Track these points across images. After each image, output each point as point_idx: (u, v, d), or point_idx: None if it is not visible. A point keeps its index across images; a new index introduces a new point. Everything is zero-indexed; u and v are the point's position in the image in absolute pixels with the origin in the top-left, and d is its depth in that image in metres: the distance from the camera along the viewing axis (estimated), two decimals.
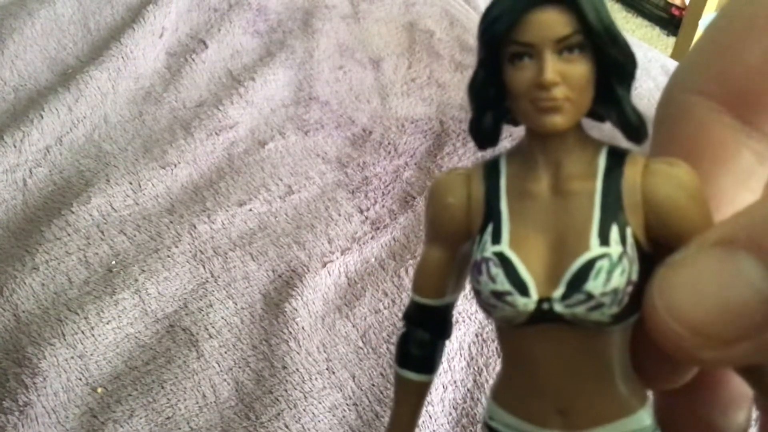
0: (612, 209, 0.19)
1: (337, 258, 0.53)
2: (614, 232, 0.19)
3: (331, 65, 0.75)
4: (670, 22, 2.00)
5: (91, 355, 0.44)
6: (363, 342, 0.48)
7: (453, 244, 0.22)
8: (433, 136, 0.68)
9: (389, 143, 0.66)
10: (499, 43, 0.20)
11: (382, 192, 0.60)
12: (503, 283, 0.20)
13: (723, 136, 0.21)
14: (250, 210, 0.56)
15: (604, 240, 0.19)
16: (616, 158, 0.20)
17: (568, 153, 0.20)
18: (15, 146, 0.56)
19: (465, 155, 0.65)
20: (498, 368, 0.48)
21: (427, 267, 0.23)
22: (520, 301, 0.19)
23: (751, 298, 0.16)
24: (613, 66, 0.20)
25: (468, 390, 0.47)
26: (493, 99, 0.21)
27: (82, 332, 0.45)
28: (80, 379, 0.43)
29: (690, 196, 0.19)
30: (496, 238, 0.20)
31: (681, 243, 0.18)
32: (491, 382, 0.47)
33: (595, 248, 0.19)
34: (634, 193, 0.19)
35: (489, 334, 0.50)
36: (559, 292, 0.19)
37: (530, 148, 0.21)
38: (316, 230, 0.56)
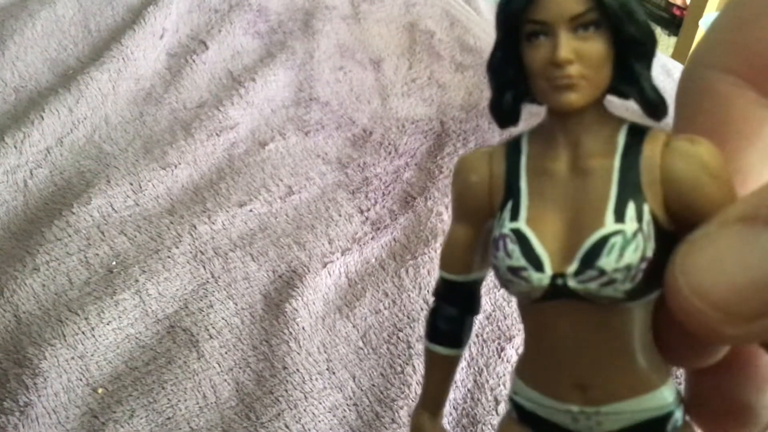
0: (629, 186, 0.19)
1: (338, 258, 0.53)
2: (630, 209, 0.19)
3: (331, 66, 0.75)
4: (671, 22, 2.00)
5: (92, 355, 0.44)
6: (363, 342, 0.48)
7: (477, 221, 0.23)
8: (434, 137, 0.68)
9: (390, 144, 0.66)
10: (515, 22, 0.20)
11: (383, 192, 0.60)
12: (519, 259, 0.20)
13: (747, 111, 0.20)
14: (251, 211, 0.56)
15: (620, 217, 0.19)
16: (636, 135, 0.20)
17: (587, 130, 0.20)
18: (16, 147, 0.56)
19: None
20: (498, 368, 0.48)
21: (453, 244, 0.23)
22: (534, 276, 0.20)
23: None
24: (631, 43, 0.20)
25: (468, 390, 0.47)
26: (511, 79, 0.21)
27: (83, 333, 0.45)
28: (81, 380, 0.43)
29: (710, 175, 0.19)
30: (515, 215, 0.21)
31: (703, 220, 0.18)
32: (491, 382, 0.47)
33: (609, 225, 0.19)
34: (652, 171, 0.19)
35: (489, 334, 0.50)
36: (572, 268, 0.19)
37: (550, 126, 0.21)
38: (316, 231, 0.56)
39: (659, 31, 2.02)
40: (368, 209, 0.58)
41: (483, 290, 0.53)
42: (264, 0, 0.81)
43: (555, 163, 0.21)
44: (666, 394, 0.21)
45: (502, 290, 0.53)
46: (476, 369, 0.48)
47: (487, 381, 0.47)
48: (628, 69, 0.20)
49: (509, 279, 0.21)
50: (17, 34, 0.67)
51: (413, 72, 0.77)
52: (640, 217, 0.19)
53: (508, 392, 0.23)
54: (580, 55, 0.19)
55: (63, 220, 0.52)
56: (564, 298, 0.20)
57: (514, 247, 0.20)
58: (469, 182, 0.22)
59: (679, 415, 0.21)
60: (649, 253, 0.19)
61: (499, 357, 0.49)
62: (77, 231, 0.51)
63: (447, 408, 0.45)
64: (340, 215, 0.57)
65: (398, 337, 0.49)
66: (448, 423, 0.45)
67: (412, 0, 0.89)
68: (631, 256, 0.19)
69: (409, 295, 0.52)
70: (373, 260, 0.54)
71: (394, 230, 0.57)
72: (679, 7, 1.98)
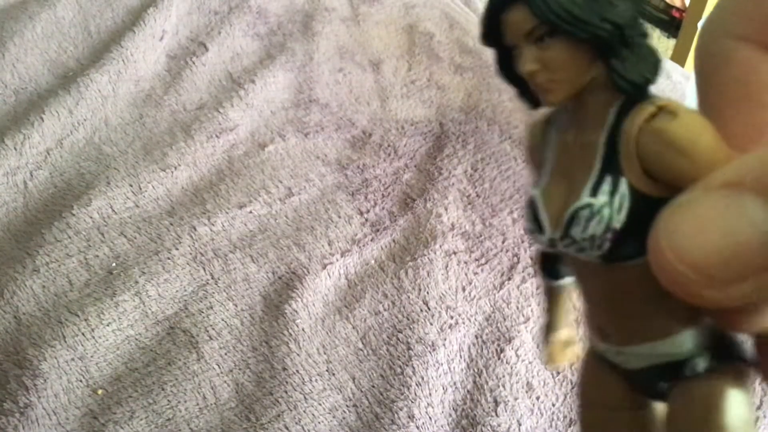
0: (610, 160, 0.21)
1: (337, 260, 0.53)
2: (606, 184, 0.21)
3: (331, 68, 0.75)
4: (671, 24, 2.00)
5: (92, 356, 0.44)
6: (363, 344, 0.48)
7: None
8: (433, 138, 0.68)
9: (389, 145, 0.66)
10: (488, 45, 0.23)
11: (382, 194, 0.60)
12: (530, 222, 0.23)
13: None
14: (250, 212, 0.57)
15: (594, 191, 0.21)
16: (625, 110, 0.21)
17: (588, 107, 0.22)
18: (16, 149, 0.56)
19: (465, 157, 0.65)
20: (498, 369, 0.48)
21: None
22: (539, 237, 0.23)
23: (754, 239, 0.16)
24: (592, 42, 0.21)
25: (468, 391, 0.47)
26: (517, 78, 0.23)
27: (83, 334, 0.45)
28: (81, 381, 0.43)
29: (678, 152, 0.20)
30: (538, 184, 0.23)
31: (685, 188, 0.19)
32: (491, 383, 0.47)
33: (584, 198, 0.21)
34: (629, 145, 0.21)
35: (488, 335, 0.50)
36: (557, 234, 0.22)
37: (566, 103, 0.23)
38: (315, 232, 0.56)
39: (658, 33, 2.02)
40: (368, 211, 0.59)
41: (482, 292, 0.54)
42: (263, 2, 0.81)
43: (568, 136, 0.23)
44: (684, 341, 0.22)
45: (502, 292, 0.54)
46: (476, 370, 0.48)
47: (487, 382, 0.47)
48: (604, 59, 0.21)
49: (529, 237, 0.24)
50: (17, 35, 0.67)
51: (412, 74, 0.77)
52: (613, 191, 0.21)
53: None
54: (544, 63, 0.21)
55: (63, 222, 0.52)
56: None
57: (529, 211, 0.23)
58: (528, 148, 0.25)
59: (699, 360, 0.22)
60: (616, 225, 0.20)
61: (499, 358, 0.49)
62: (77, 232, 0.51)
63: (447, 409, 0.46)
64: (339, 217, 0.57)
65: (398, 339, 0.49)
66: (448, 424, 0.45)
67: (411, 2, 0.90)
68: (595, 227, 0.21)
69: (409, 297, 0.52)
70: (373, 262, 0.54)
71: (393, 232, 0.57)
72: (678, 9, 1.98)
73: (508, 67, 0.23)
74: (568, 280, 0.27)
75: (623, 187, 0.21)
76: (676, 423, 0.22)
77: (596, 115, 0.22)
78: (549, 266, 0.27)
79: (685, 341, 0.22)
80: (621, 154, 0.21)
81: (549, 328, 0.29)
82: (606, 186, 0.21)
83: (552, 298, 0.28)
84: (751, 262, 0.16)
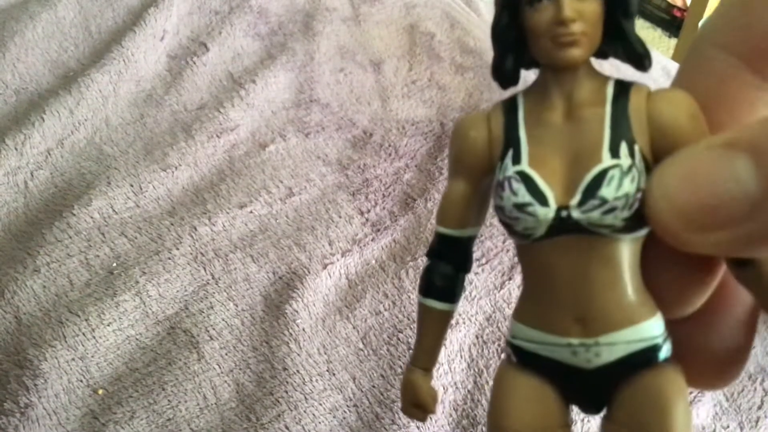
0: (620, 129, 0.22)
1: (338, 260, 0.53)
2: (623, 148, 0.22)
3: (331, 67, 0.75)
4: (672, 24, 2.00)
5: (92, 356, 0.44)
6: (363, 344, 0.48)
7: (475, 176, 0.25)
8: (434, 138, 0.68)
9: (390, 145, 0.66)
10: None
11: (383, 194, 0.60)
12: (524, 196, 0.22)
13: (741, 92, 0.22)
14: (251, 212, 0.57)
15: (615, 154, 0.21)
16: (623, 87, 0.23)
17: (579, 84, 0.23)
18: (16, 149, 0.56)
19: None
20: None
21: (451, 198, 0.25)
22: (540, 211, 0.22)
23: (736, 193, 0.18)
24: (619, 3, 0.22)
25: (468, 391, 0.47)
26: (513, 42, 0.24)
27: (83, 334, 0.45)
28: (81, 381, 0.43)
29: (690, 116, 0.21)
30: (517, 160, 0.23)
31: None
32: (491, 383, 0.47)
33: (607, 160, 0.21)
34: (639, 116, 0.22)
35: (489, 335, 0.50)
36: (575, 200, 0.22)
37: (545, 82, 0.24)
38: (316, 232, 0.56)
39: (660, 33, 2.02)
40: (368, 211, 0.59)
41: (483, 292, 0.54)
42: (264, 2, 0.81)
43: (551, 114, 0.23)
44: (654, 326, 0.22)
45: (502, 292, 0.53)
46: (476, 370, 0.48)
47: (487, 382, 0.47)
48: (617, 27, 0.23)
49: (515, 216, 0.22)
50: (18, 35, 0.67)
51: (413, 74, 0.77)
52: (632, 154, 0.21)
53: (507, 337, 0.25)
54: (580, 13, 0.22)
55: (63, 222, 0.52)
56: (564, 234, 0.22)
57: (519, 186, 0.22)
58: (468, 138, 0.24)
59: (667, 347, 0.23)
60: (644, 184, 0.21)
61: (499, 359, 0.49)
62: (78, 232, 0.51)
63: (447, 409, 0.46)
64: (340, 217, 0.57)
65: (398, 339, 0.49)
66: (448, 424, 0.45)
67: (412, 2, 0.89)
68: (629, 186, 0.21)
69: (409, 297, 0.52)
70: (373, 262, 0.54)
71: (394, 232, 0.57)
72: (679, 9, 1.98)
73: (509, 26, 0.24)
74: (458, 305, 0.26)
75: (638, 152, 0.22)
76: (635, 413, 0.22)
77: (591, 91, 0.23)
78: (443, 288, 0.26)
79: (658, 325, 0.22)
80: (632, 124, 0.22)
81: (422, 362, 0.27)
82: (624, 149, 0.21)
83: (434, 325, 0.26)
84: (730, 214, 0.18)
